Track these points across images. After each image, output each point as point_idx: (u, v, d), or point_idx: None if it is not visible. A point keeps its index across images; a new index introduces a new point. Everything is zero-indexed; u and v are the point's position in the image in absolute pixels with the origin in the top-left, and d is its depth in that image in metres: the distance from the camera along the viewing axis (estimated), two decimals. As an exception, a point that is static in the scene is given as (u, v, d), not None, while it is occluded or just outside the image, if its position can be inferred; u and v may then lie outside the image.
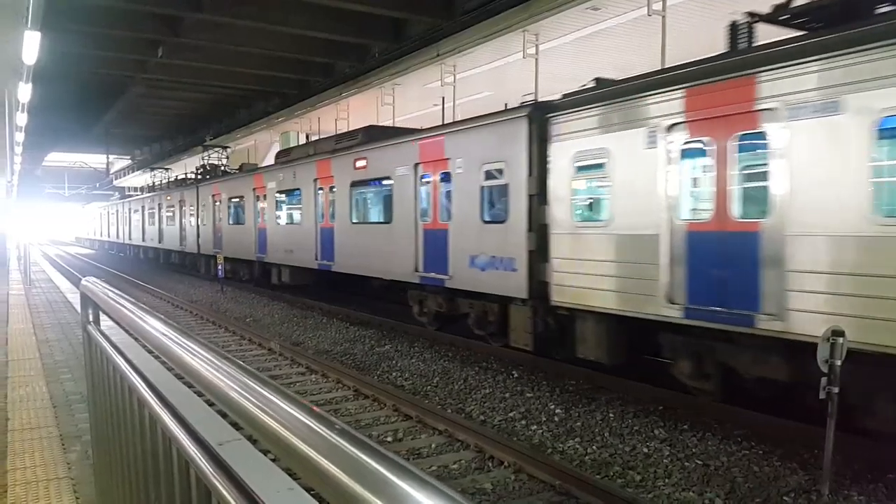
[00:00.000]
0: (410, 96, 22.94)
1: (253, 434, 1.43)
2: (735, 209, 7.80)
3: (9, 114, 21.36)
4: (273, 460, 1.45)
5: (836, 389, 6.00)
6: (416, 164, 13.55)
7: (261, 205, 22.25)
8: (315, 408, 1.27)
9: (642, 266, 8.75)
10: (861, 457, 6.84)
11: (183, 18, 19.40)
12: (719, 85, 7.82)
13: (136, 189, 52.43)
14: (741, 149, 7.74)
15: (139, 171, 54.71)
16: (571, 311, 10.06)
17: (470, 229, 11.97)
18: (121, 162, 61.34)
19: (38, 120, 29.50)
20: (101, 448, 3.51)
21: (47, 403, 6.84)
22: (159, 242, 34.63)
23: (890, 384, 6.55)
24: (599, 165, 9.46)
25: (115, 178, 63.49)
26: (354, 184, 16.27)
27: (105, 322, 3.46)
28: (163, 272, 32.50)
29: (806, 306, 6.96)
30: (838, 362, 5.98)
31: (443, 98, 19.84)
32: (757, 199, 7.74)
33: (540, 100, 11.70)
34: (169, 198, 32.84)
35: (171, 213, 32.53)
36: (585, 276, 9.58)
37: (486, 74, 20.28)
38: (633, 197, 8.94)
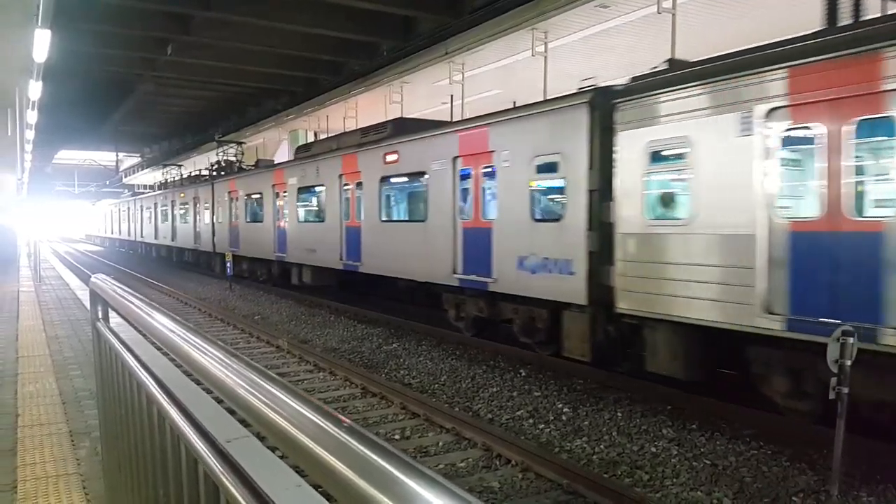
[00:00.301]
0: (419, 94, 22.95)
1: (261, 431, 1.43)
2: (853, 206, 6.81)
3: (20, 111, 21.46)
4: (281, 457, 1.45)
5: (845, 390, 5.97)
6: (455, 158, 12.62)
7: (280, 202, 21.38)
8: (324, 405, 1.27)
9: (733, 270, 7.72)
10: (871, 457, 6.79)
11: (192, 16, 19.46)
12: (833, 63, 6.82)
13: (146, 186, 52.53)
14: (860, 136, 6.73)
15: (148, 169, 54.92)
16: (641, 319, 8.99)
17: (518, 228, 11.02)
18: (130, 160, 61.59)
19: (49, 118, 29.66)
20: (110, 444, 3.52)
21: (57, 400, 6.87)
22: (172, 240, 33.99)
23: None
24: (679, 156, 8.48)
25: (125, 176, 63.79)
26: (384, 179, 15.31)
27: (114, 319, 3.47)
28: (172, 270, 32.60)
29: None
30: (848, 362, 5.95)
31: (451, 96, 19.84)
32: (880, 195, 6.86)
33: (603, 85, 10.40)
34: (182, 195, 32.17)
35: (184, 211, 31.95)
36: (659, 281, 8.57)
37: (495, 72, 20.27)
38: (720, 192, 7.91)
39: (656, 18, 13.82)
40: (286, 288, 21.56)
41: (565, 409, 8.84)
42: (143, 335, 2.75)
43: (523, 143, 10.91)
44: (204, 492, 1.71)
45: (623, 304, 9.14)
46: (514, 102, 14.67)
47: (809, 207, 7.31)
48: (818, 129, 7.03)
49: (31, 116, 21.95)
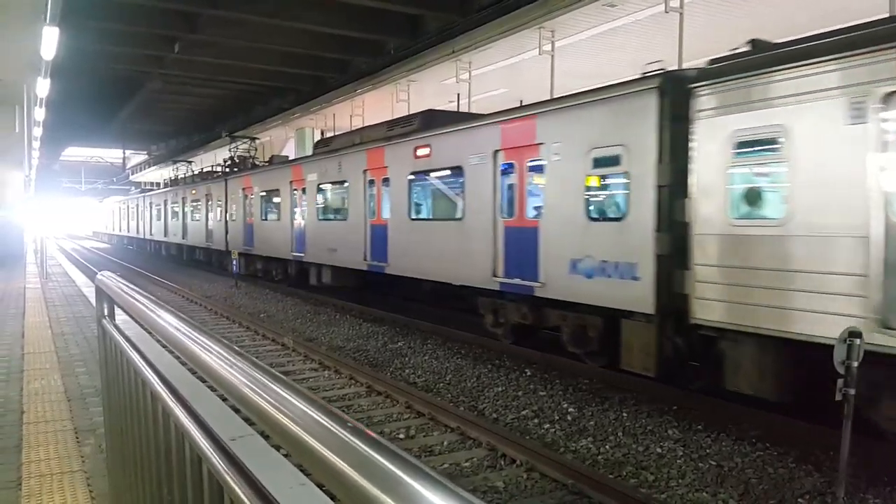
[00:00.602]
0: (426, 93, 22.95)
1: (265, 430, 1.43)
2: None
3: (27, 108, 21.54)
4: (285, 456, 1.44)
5: (852, 391, 5.93)
6: (496, 152, 11.66)
7: (299, 199, 20.41)
8: (328, 405, 1.27)
9: (839, 278, 6.79)
10: (878, 459, 6.76)
11: (199, 15, 19.53)
12: None
13: (153, 183, 52.57)
14: None
15: (155, 167, 55.09)
16: (720, 331, 8.04)
17: (570, 228, 10.03)
18: (137, 157, 61.83)
19: (56, 115, 29.81)
20: (115, 442, 3.52)
21: (62, 397, 6.88)
22: (183, 238, 33.12)
23: None
24: (772, 147, 7.56)
25: (132, 173, 64.02)
26: (414, 175, 14.34)
27: (120, 316, 3.47)
28: (178, 267, 32.66)
29: None
30: (855, 364, 5.91)
31: (458, 94, 19.84)
32: None
33: (672, 68, 9.60)
34: (194, 191, 31.25)
35: (196, 208, 31.09)
36: (747, 289, 7.59)
37: (502, 71, 20.26)
38: (823, 188, 6.98)
39: (664, 17, 13.78)
40: (303, 289, 20.79)
41: (570, 409, 8.82)
42: (149, 332, 2.75)
43: (578, 134, 9.92)
44: (208, 490, 1.70)
45: (702, 315, 8.13)
46: (521, 101, 14.62)
47: None
48: None
49: (39, 113, 22.04)
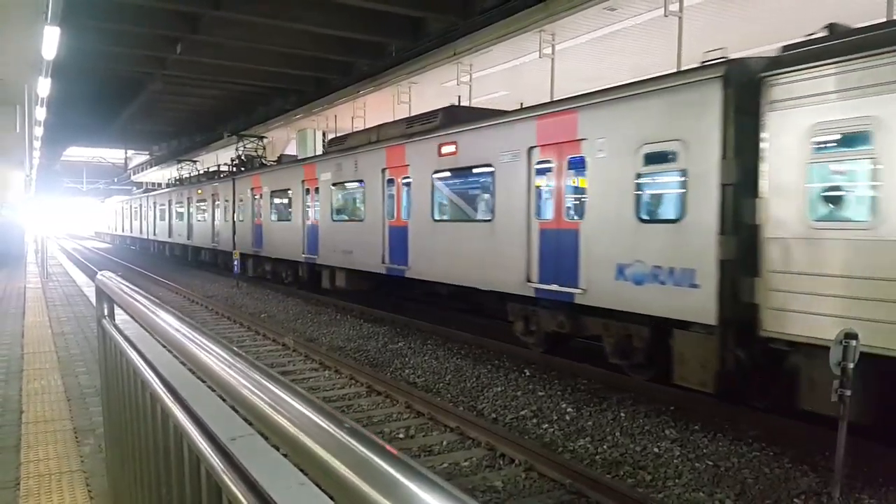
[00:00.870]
0: (427, 95, 22.97)
1: (262, 431, 1.44)
2: None
3: (28, 108, 21.56)
4: (284, 456, 1.46)
5: (848, 392, 5.96)
6: (531, 149, 10.89)
7: (312, 199, 19.56)
8: (326, 406, 1.29)
9: None
10: (873, 460, 6.79)
11: (201, 15, 19.56)
12: None
13: (156, 184, 52.50)
14: None
15: (157, 167, 55.09)
16: (796, 345, 7.31)
17: (617, 231, 9.28)
18: (139, 157, 61.85)
19: (57, 115, 29.84)
20: (114, 442, 3.55)
21: (62, 396, 6.90)
22: (188, 239, 32.36)
23: None
24: (861, 141, 6.84)
25: (133, 174, 64.04)
26: (438, 173, 13.58)
27: (120, 316, 3.49)
28: (179, 267, 32.67)
29: None
30: (851, 365, 5.94)
31: (458, 97, 19.85)
32: None
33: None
34: (200, 191, 30.42)
35: (202, 208, 30.24)
36: (830, 300, 6.91)
37: (502, 74, 20.28)
38: None
39: (663, 21, 13.80)
40: (315, 292, 20.10)
41: (569, 409, 8.84)
42: (149, 332, 2.78)
43: (627, 128, 9.15)
44: (206, 490, 1.72)
45: (773, 326, 7.40)
46: (521, 104, 14.63)
47: None
48: None
49: (40, 113, 22.06)
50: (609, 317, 9.78)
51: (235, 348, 1.81)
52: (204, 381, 1.93)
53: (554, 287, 10.44)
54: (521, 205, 11.13)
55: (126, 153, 61.23)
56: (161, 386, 2.27)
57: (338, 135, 21.73)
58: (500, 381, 10.30)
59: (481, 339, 12.97)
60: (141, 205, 44.01)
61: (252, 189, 24.10)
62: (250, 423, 1.54)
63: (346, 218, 17.87)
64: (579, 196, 10.27)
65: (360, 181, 16.69)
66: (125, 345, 2.99)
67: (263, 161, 27.91)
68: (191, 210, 31.98)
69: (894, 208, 6.51)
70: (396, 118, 17.39)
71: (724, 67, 7.94)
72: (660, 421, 8.34)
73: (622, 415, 8.62)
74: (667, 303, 8.54)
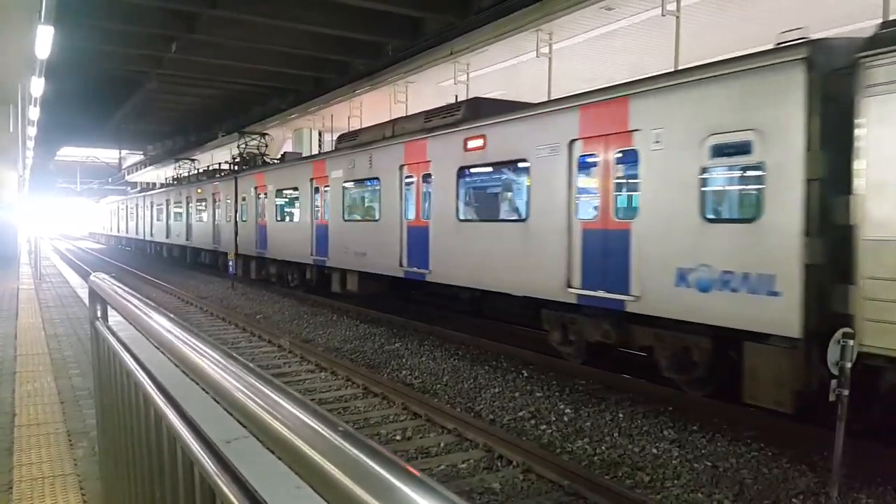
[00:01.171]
0: (424, 94, 22.95)
1: (257, 434, 1.41)
2: None
3: (22, 108, 21.49)
4: (279, 459, 1.43)
5: (846, 392, 5.95)
6: (573, 142, 10.00)
7: (321, 198, 18.61)
8: (320, 409, 1.26)
9: None
10: (871, 460, 6.77)
11: (198, 14, 19.50)
12: None
13: (150, 184, 52.35)
14: None
15: (152, 167, 55.00)
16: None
17: (678, 231, 8.40)
18: (133, 157, 61.75)
19: (51, 114, 29.73)
20: (108, 445, 3.51)
21: (55, 399, 6.85)
22: (187, 240, 31.38)
23: None
24: None
25: (128, 174, 63.95)
26: (464, 170, 12.67)
27: (114, 317, 3.45)
28: (174, 268, 32.61)
29: None
30: (848, 365, 5.92)
31: (456, 96, 19.84)
32: None
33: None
34: (200, 190, 29.48)
35: (201, 208, 29.31)
36: None
37: (499, 73, 20.28)
38: None
39: (661, 21, 13.79)
40: (325, 296, 19.11)
41: (567, 410, 8.82)
42: (142, 334, 2.74)
43: (690, 117, 8.28)
44: (200, 493, 1.70)
45: (873, 340, 6.56)
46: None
47: None
48: None
49: (34, 113, 21.99)
50: (664, 327, 8.92)
51: (229, 350, 1.78)
52: (198, 384, 1.90)
53: (600, 294, 9.51)
54: (561, 203, 10.22)
55: (120, 153, 61.08)
56: (154, 388, 2.24)
57: (340, 132, 21.32)
58: (498, 382, 10.27)
59: (479, 339, 12.93)
60: (137, 205, 43.14)
61: (256, 188, 23.20)
62: (244, 426, 1.50)
63: (360, 218, 16.99)
64: (630, 193, 9.55)
65: (375, 178, 15.77)
66: (118, 347, 2.96)
67: (266, 159, 27.26)
68: (190, 210, 31.11)
69: None
70: (393, 117, 17.26)
71: (808, 48, 7.16)
72: (658, 421, 8.32)
73: (620, 415, 8.60)
74: (738, 312, 7.65)
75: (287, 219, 21.29)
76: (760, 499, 6.25)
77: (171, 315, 2.41)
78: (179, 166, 37.84)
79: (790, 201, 7.20)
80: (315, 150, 30.31)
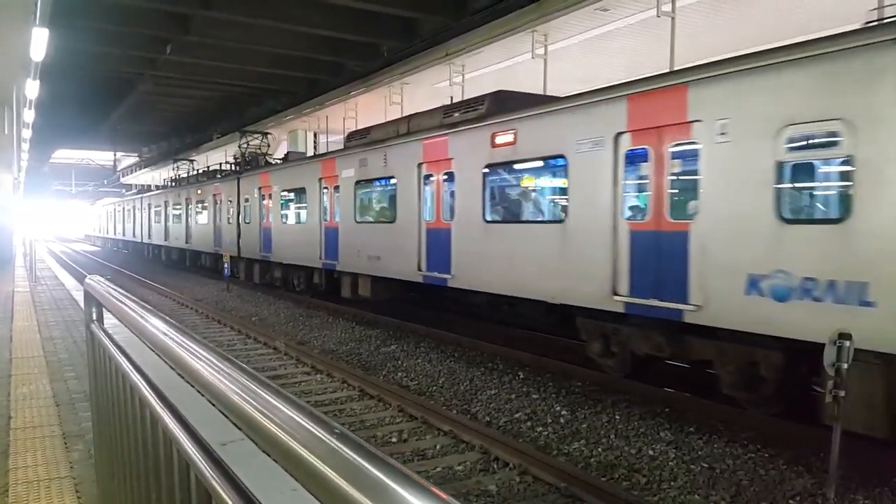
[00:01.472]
0: (419, 95, 22.95)
1: (252, 436, 1.41)
2: None
3: (16, 110, 21.43)
4: (275, 461, 1.43)
5: (842, 393, 5.96)
6: (619, 135, 9.12)
7: (330, 198, 17.82)
8: (315, 411, 1.25)
9: None
10: (867, 461, 6.78)
11: (192, 16, 19.47)
12: None
13: (145, 186, 52.21)
14: None
15: (147, 168, 54.92)
16: None
17: (748, 233, 7.52)
18: (128, 159, 61.65)
19: (46, 116, 29.65)
20: (103, 448, 3.50)
21: (50, 402, 6.83)
22: (186, 243, 30.47)
23: None
24: None
25: (123, 176, 63.85)
26: (492, 168, 11.78)
27: (109, 320, 3.44)
28: (169, 270, 32.56)
29: None
30: (845, 366, 5.93)
31: (451, 97, 19.84)
32: None
33: None
34: (199, 191, 28.56)
35: (202, 210, 28.50)
36: None
37: (494, 74, 20.25)
38: None
39: (656, 22, 13.82)
40: (334, 301, 18.39)
41: (563, 412, 8.82)
42: (138, 337, 2.73)
43: (762, 106, 7.39)
44: (196, 496, 1.69)
45: None
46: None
47: None
48: None
49: (28, 115, 21.91)
50: (726, 339, 8.06)
51: (225, 352, 1.77)
52: (193, 386, 1.90)
53: (653, 302, 8.61)
54: (605, 202, 9.31)
55: (115, 155, 60.98)
56: (150, 391, 2.23)
57: (335, 133, 20.90)
58: (494, 384, 10.26)
59: (475, 341, 12.93)
60: (134, 206, 42.27)
61: (260, 188, 22.33)
62: (240, 429, 1.50)
63: (373, 219, 16.14)
64: (688, 190, 8.58)
65: (391, 178, 14.90)
66: (114, 349, 2.95)
67: (268, 159, 26.73)
68: (190, 212, 30.20)
69: None
70: (389, 119, 17.20)
71: None
72: (654, 423, 8.32)
73: (617, 417, 8.60)
74: (823, 325, 6.63)
75: (294, 220, 20.51)
76: (757, 500, 6.25)
77: (167, 317, 2.40)
78: (178, 167, 37.11)
79: (886, 200, 6.40)
80: (310, 152, 30.26)
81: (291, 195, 20.51)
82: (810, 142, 7.18)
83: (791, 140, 7.15)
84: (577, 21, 15.54)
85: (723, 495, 6.30)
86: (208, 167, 32.34)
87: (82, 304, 3.89)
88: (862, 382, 6.52)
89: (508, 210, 12.17)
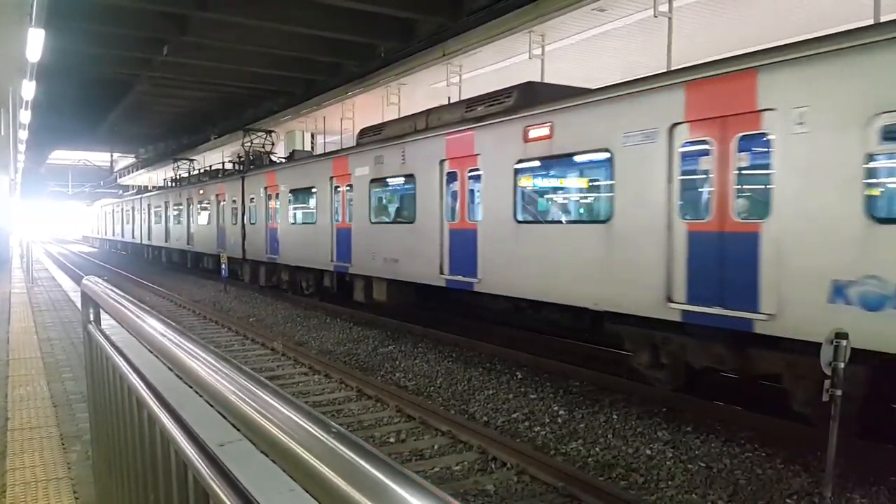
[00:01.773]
0: (416, 96, 22.95)
1: (250, 436, 1.41)
2: None
3: (13, 111, 21.40)
4: (272, 461, 1.43)
5: (839, 392, 5.96)
6: (673, 127, 8.29)
7: (343, 198, 16.94)
8: (313, 411, 1.25)
9: None
10: (864, 460, 6.80)
11: (189, 17, 19.44)
12: None
13: (142, 186, 52.09)
14: None
15: (144, 169, 54.86)
16: None
17: (831, 234, 6.72)
18: (125, 160, 61.57)
19: (42, 118, 29.59)
20: (101, 449, 3.49)
21: (48, 403, 6.83)
22: (188, 244, 29.59)
23: None
24: None
25: (120, 177, 63.77)
26: (524, 163, 10.92)
27: (107, 321, 3.44)
28: (167, 272, 32.52)
29: None
30: (842, 365, 5.94)
31: (448, 98, 19.83)
32: None
33: None
34: (202, 191, 27.74)
35: (204, 210, 27.70)
36: None
37: (492, 75, 20.24)
38: None
39: (653, 22, 13.83)
40: (345, 305, 17.83)
41: (561, 412, 8.82)
42: (135, 337, 2.73)
43: (848, 92, 6.63)
44: (194, 496, 1.69)
45: None
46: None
47: None
48: None
49: (25, 116, 21.87)
50: (800, 351, 7.20)
51: (222, 353, 1.77)
52: (191, 387, 1.90)
53: (716, 310, 7.78)
54: (658, 201, 8.49)
55: (112, 156, 60.90)
56: (148, 391, 2.23)
57: (332, 133, 20.61)
58: (492, 384, 10.26)
59: (473, 341, 12.93)
60: (133, 207, 41.41)
61: (266, 188, 21.42)
62: (238, 429, 1.50)
63: (390, 220, 15.30)
64: (759, 187, 7.76)
65: (410, 176, 14.01)
66: (111, 350, 2.95)
67: (273, 158, 26.22)
68: (191, 212, 29.31)
69: None
70: (386, 119, 17.15)
71: None
72: (652, 422, 8.33)
73: (614, 416, 8.61)
74: None
75: (303, 221, 19.56)
76: (754, 499, 6.26)
77: (164, 318, 2.40)
78: (178, 167, 36.30)
79: None
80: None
81: (300, 195, 19.71)
82: None
83: (883, 130, 6.38)
84: (574, 21, 15.54)
85: (720, 494, 6.31)
86: (210, 166, 31.76)
87: (79, 306, 3.89)
88: None
89: (543, 209, 11.52)
